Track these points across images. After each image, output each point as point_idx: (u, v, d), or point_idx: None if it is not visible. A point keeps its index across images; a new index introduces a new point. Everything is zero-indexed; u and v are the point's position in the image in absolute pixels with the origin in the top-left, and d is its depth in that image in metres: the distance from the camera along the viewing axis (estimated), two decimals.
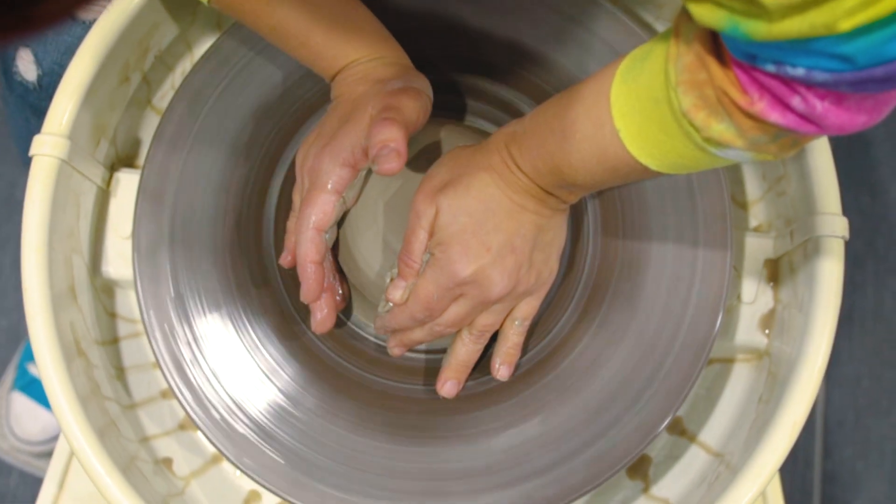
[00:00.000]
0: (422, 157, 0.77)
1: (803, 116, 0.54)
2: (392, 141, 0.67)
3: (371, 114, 0.71)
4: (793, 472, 1.43)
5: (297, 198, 0.76)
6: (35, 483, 1.38)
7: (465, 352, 0.75)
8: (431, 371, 0.78)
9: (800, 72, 0.51)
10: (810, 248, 0.77)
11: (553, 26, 0.82)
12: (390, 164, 0.67)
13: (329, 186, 0.71)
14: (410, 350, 0.78)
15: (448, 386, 0.76)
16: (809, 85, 0.52)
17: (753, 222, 0.88)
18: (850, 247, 1.45)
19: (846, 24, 0.46)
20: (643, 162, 0.63)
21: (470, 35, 0.82)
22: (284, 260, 0.77)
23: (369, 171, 0.75)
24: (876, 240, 1.49)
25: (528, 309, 0.75)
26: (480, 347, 0.76)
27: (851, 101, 0.53)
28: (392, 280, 0.73)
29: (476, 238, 0.70)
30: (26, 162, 0.82)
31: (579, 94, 0.66)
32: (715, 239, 0.78)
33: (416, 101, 0.70)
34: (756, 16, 0.49)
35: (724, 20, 0.51)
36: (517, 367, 0.77)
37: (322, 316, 0.74)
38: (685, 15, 0.57)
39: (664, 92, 0.59)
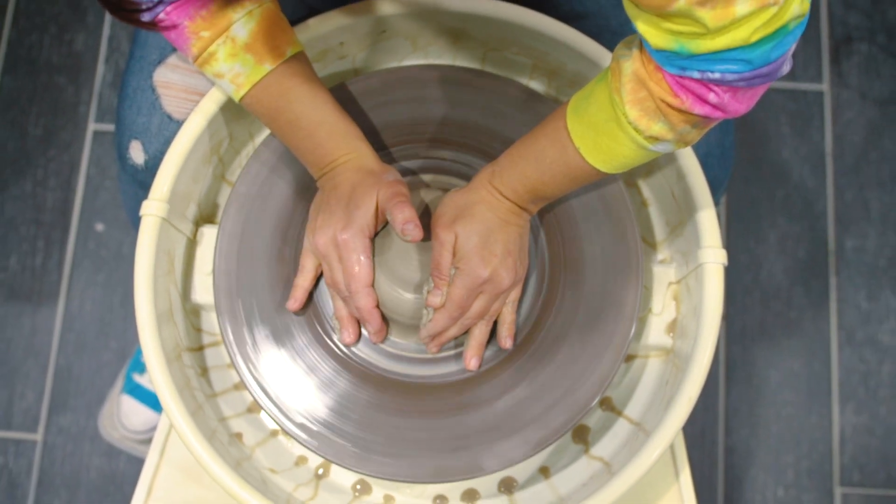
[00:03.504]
0: None
1: (716, 106, 0.60)
2: (412, 218, 0.72)
3: (379, 198, 0.74)
4: (702, 447, 1.44)
5: (307, 262, 0.78)
6: (138, 463, 1.38)
7: (479, 333, 0.78)
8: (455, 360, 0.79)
9: (717, 75, 0.57)
10: (700, 273, 0.79)
11: (501, 108, 0.84)
12: (416, 236, 0.72)
13: (362, 253, 0.75)
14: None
15: (473, 361, 0.78)
16: (719, 83, 0.58)
17: (660, 256, 0.89)
18: (740, 279, 1.48)
19: (754, 37, 0.54)
20: (597, 167, 0.69)
21: (437, 123, 0.84)
22: (292, 305, 0.79)
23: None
24: (760, 274, 1.50)
25: (516, 294, 0.78)
26: (490, 328, 0.78)
27: (739, 93, 0.60)
28: (429, 292, 0.76)
29: (486, 249, 0.74)
30: (134, 225, 0.81)
31: (540, 133, 0.72)
32: (631, 270, 0.80)
33: (406, 187, 0.75)
34: (698, 35, 0.55)
35: (671, 41, 0.57)
36: (516, 337, 0.79)
37: (375, 330, 0.78)
38: (620, 61, 0.63)
39: (612, 113, 0.65)
